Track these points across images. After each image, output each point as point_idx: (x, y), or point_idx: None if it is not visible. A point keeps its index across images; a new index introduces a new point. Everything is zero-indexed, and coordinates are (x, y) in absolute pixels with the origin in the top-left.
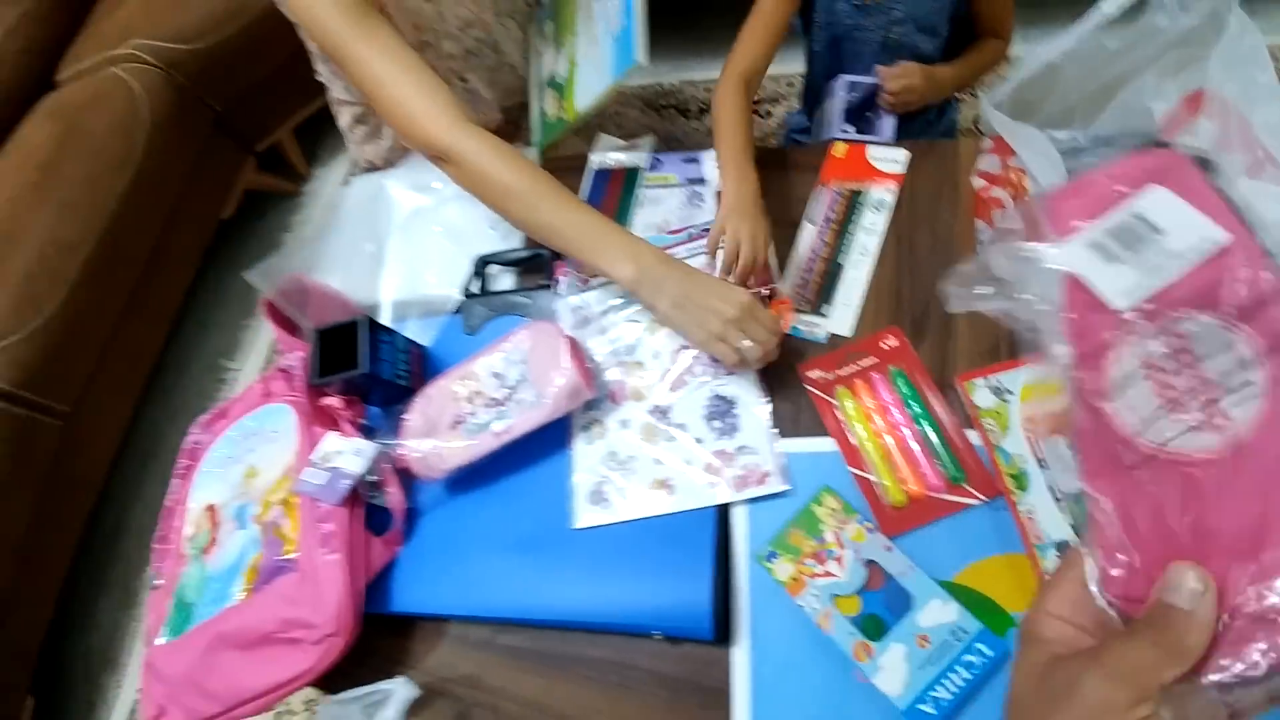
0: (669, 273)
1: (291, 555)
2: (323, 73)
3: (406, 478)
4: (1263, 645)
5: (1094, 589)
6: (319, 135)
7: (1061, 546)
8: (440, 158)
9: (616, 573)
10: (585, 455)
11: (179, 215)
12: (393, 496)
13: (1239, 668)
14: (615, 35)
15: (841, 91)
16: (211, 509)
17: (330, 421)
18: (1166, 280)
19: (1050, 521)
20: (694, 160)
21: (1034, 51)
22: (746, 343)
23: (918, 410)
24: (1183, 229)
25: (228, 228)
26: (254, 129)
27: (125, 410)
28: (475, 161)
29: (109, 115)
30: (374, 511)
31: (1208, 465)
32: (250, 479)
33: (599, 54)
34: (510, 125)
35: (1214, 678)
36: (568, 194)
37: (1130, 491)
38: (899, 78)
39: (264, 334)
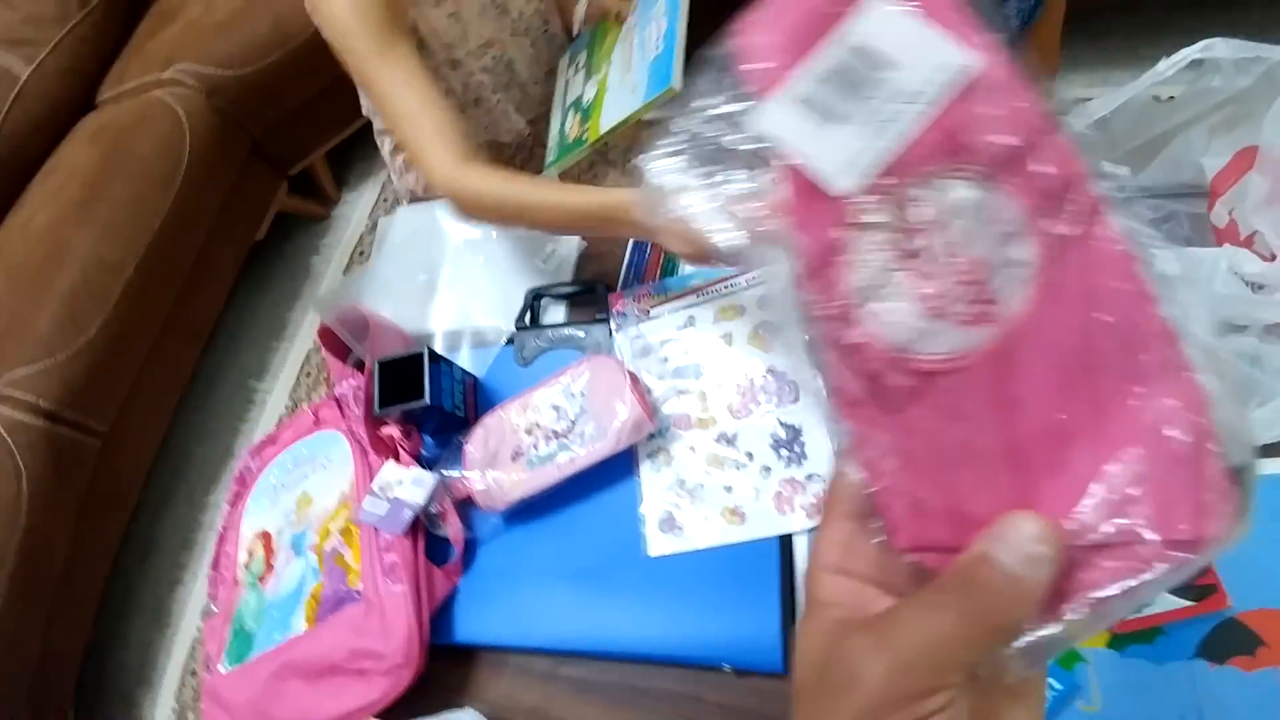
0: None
1: (356, 586)
2: (365, 104)
3: (463, 508)
4: (1109, 571)
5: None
6: (349, 160)
7: None
8: (444, 197)
9: (682, 603)
10: (653, 483)
11: (216, 236)
12: (452, 527)
13: (1076, 614)
14: (651, 60)
15: None
16: (265, 536)
17: (387, 451)
18: (903, 137)
19: None
20: None
21: (1085, 107)
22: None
23: None
24: (918, 57)
25: (256, 249)
26: (289, 154)
27: (159, 430)
28: (474, 203)
29: (153, 137)
30: (433, 542)
31: (987, 368)
32: (304, 507)
33: (633, 78)
34: (532, 138)
35: (1042, 633)
36: (557, 194)
37: (907, 421)
38: None
39: (292, 355)
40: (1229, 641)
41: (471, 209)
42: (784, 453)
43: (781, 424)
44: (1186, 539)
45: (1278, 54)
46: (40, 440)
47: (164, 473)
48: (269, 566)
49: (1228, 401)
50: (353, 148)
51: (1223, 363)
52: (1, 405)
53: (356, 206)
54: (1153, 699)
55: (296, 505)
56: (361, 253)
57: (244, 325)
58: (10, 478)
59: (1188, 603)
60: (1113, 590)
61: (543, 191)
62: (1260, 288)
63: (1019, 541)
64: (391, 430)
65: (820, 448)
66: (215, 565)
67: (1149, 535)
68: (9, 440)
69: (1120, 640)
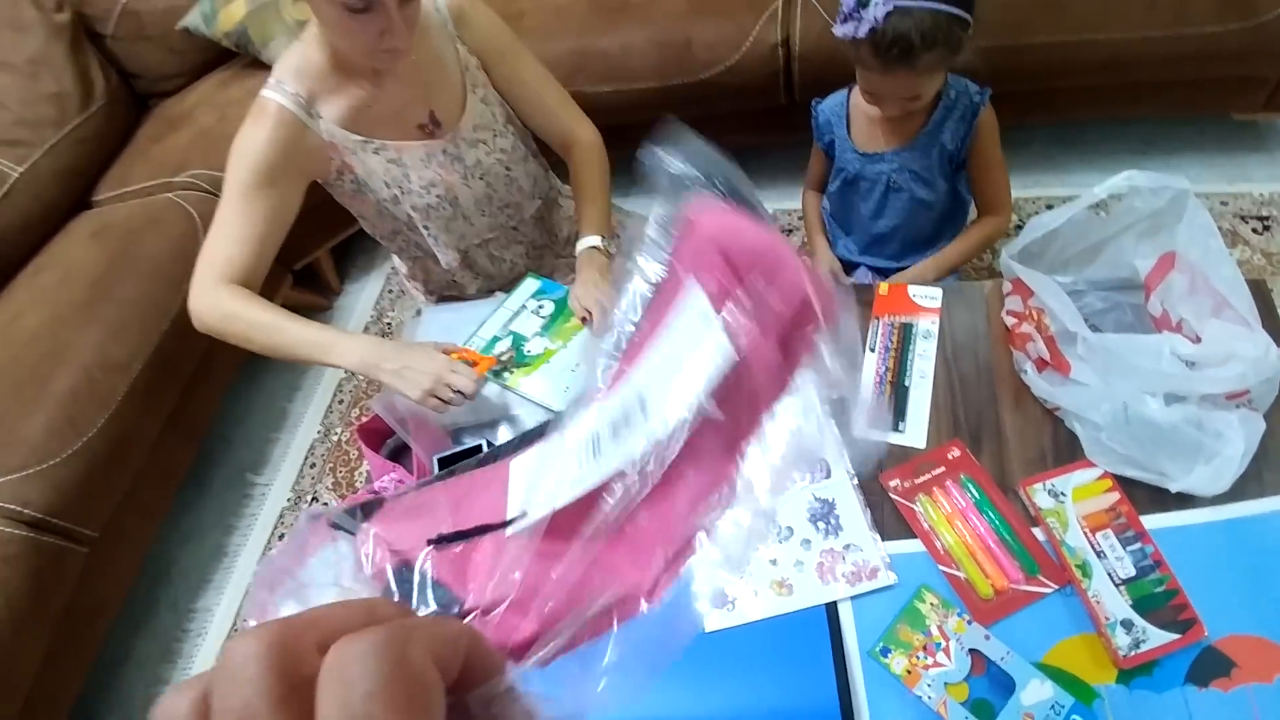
0: (385, 352)
1: None
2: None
3: None
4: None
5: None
6: (351, 252)
7: (1127, 624)
8: (194, 311)
9: (740, 676)
10: (702, 559)
11: None
12: None
13: None
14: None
15: None
16: None
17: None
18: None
19: (1114, 603)
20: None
21: (1040, 220)
22: (448, 393)
23: (991, 513)
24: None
25: None
26: (295, 250)
27: (150, 533)
28: (208, 311)
29: (165, 238)
30: None
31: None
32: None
33: (566, 381)
34: (464, 266)
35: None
36: (298, 320)
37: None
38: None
39: (294, 447)
40: (1209, 666)
41: (206, 317)
42: (821, 525)
43: (816, 498)
44: None
45: (1180, 183)
46: (21, 553)
47: (143, 579)
48: None
49: None
50: (355, 242)
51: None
52: None
53: (359, 297)
54: None
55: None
56: None
57: (240, 418)
58: None
59: (1175, 635)
60: None
61: (273, 315)
62: (1193, 365)
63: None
64: None
65: (853, 518)
66: None
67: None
68: None
69: (1127, 675)
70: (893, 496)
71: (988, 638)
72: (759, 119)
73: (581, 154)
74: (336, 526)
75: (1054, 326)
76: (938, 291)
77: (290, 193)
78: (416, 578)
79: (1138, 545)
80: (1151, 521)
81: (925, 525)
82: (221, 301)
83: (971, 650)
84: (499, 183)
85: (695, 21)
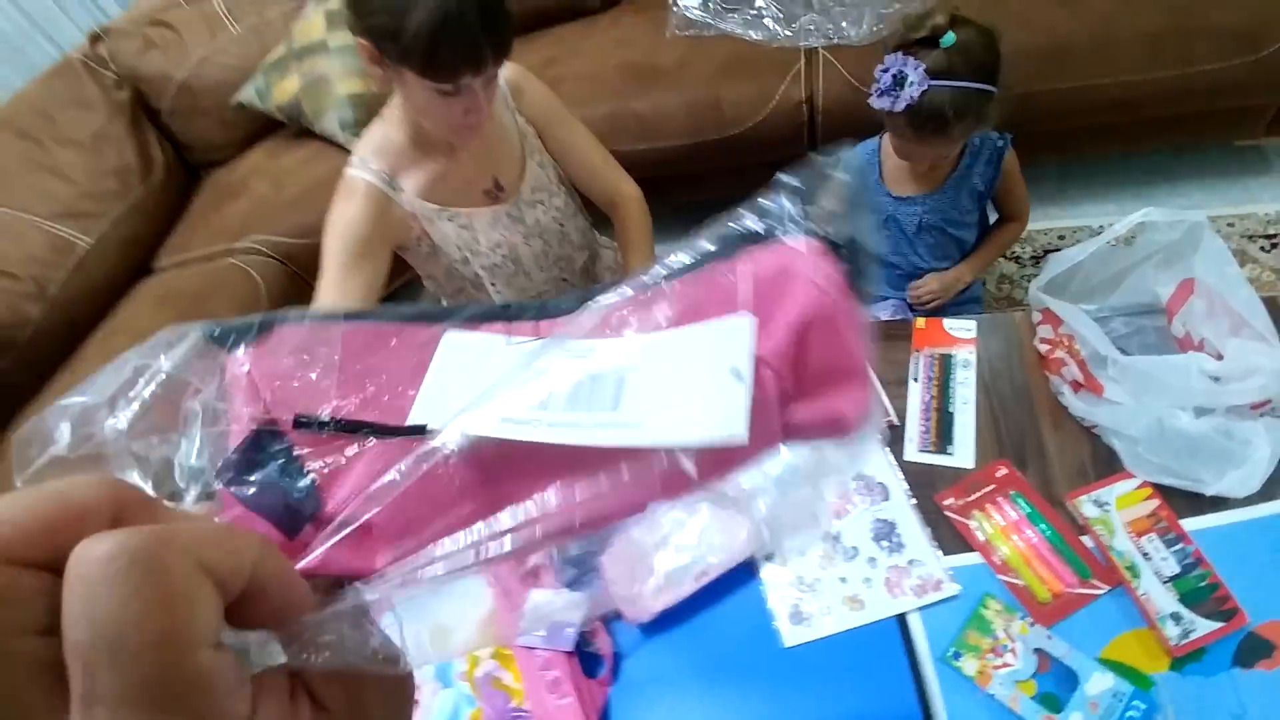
0: None
1: (522, 705)
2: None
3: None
4: None
5: None
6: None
7: (1175, 617)
8: None
9: (823, 688)
10: (775, 581)
11: None
12: (602, 641)
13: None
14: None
15: None
16: None
17: (528, 575)
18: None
19: (1162, 599)
20: None
21: (1063, 255)
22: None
23: (1042, 524)
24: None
25: None
26: None
27: None
28: None
29: (230, 301)
30: (583, 657)
31: None
32: (441, 638)
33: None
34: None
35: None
36: None
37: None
38: (918, 289)
39: None
40: (1252, 650)
41: None
42: (884, 544)
43: (877, 519)
44: None
45: (1194, 217)
46: None
47: None
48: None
49: None
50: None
51: None
52: None
53: None
54: (1209, 706)
55: (432, 638)
56: None
57: None
58: None
59: (1220, 624)
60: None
61: None
62: (1218, 380)
63: None
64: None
65: (914, 536)
66: None
67: None
68: None
69: (1179, 663)
70: (948, 514)
71: (1050, 637)
72: (782, 166)
73: (626, 208)
74: (214, 340)
75: (1085, 351)
76: (972, 323)
77: (382, 263)
78: (278, 451)
79: (1179, 546)
80: (1190, 524)
81: (981, 539)
82: None
83: (1036, 650)
84: (554, 238)
85: (723, 83)
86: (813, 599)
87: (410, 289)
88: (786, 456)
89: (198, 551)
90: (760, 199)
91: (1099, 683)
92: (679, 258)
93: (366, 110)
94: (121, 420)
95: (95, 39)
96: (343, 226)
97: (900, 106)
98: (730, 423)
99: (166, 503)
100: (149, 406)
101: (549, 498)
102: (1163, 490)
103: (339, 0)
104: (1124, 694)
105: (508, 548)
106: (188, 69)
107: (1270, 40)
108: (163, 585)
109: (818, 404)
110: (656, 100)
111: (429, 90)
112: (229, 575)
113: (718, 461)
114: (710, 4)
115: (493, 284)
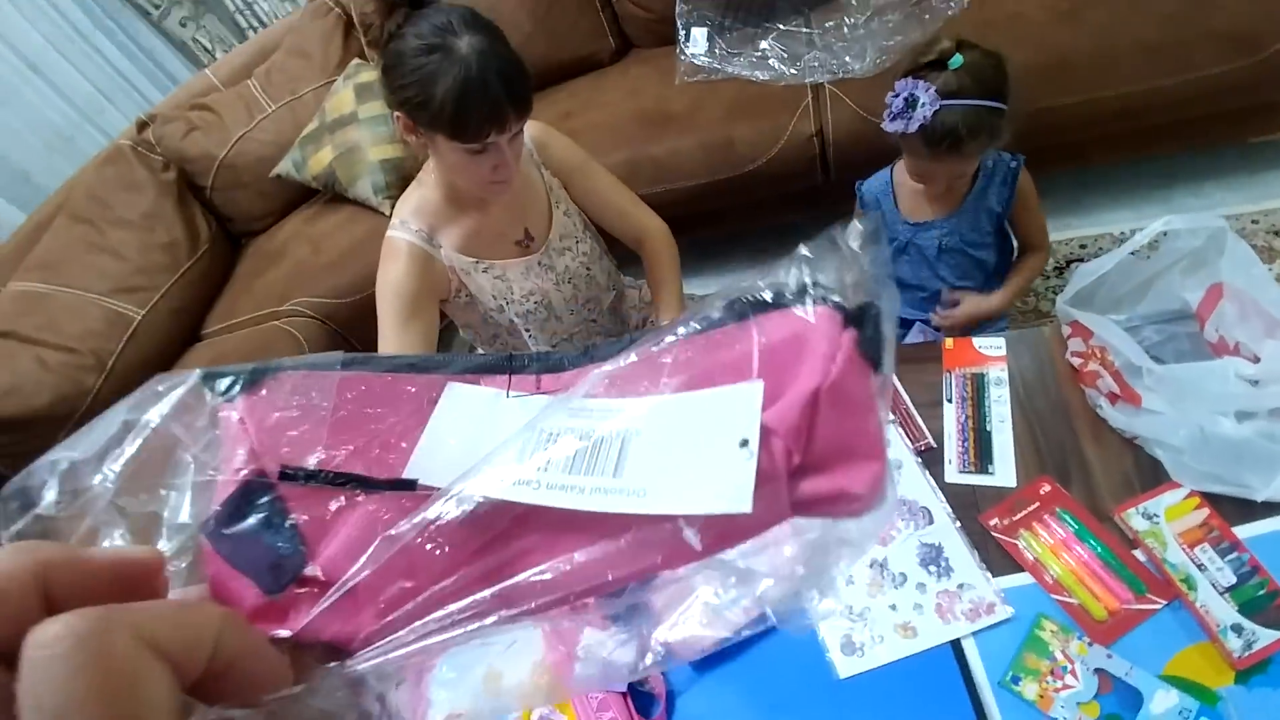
0: None
1: None
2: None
3: None
4: None
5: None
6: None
7: (1236, 629)
8: None
9: (879, 717)
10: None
11: None
12: (655, 679)
13: None
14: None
15: None
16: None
17: (578, 608)
18: None
19: (1221, 610)
20: None
21: (1087, 268)
22: None
23: (1091, 540)
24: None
25: None
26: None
27: None
28: None
29: None
30: (636, 696)
31: None
32: (493, 683)
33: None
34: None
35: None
36: None
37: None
38: (945, 320)
39: None
40: None
41: None
42: (932, 568)
43: (923, 544)
44: None
45: (1215, 223)
46: None
47: None
48: None
49: None
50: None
51: None
52: None
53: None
54: (1278, 718)
55: (484, 682)
56: None
57: None
58: None
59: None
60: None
61: None
62: (1256, 383)
63: None
64: None
65: (961, 559)
66: None
67: None
68: None
69: (1244, 675)
70: (994, 535)
71: (1110, 656)
72: (797, 197)
73: (653, 245)
74: (208, 386)
75: (1118, 362)
76: (1000, 341)
77: (432, 315)
78: (264, 505)
79: (1234, 555)
80: (1243, 531)
81: (1031, 558)
82: None
83: (1097, 670)
84: (583, 282)
85: (734, 124)
86: (864, 628)
87: (444, 334)
88: (795, 529)
89: (149, 630)
90: (775, 270)
91: (1164, 700)
92: (689, 325)
93: (397, 173)
94: (109, 476)
95: (142, 125)
96: (392, 286)
97: (914, 128)
98: (735, 492)
99: (96, 549)
100: (137, 460)
101: (547, 565)
102: (1212, 498)
103: (367, 75)
104: (1190, 710)
105: (502, 617)
106: (228, 147)
107: (1273, 40)
108: (107, 667)
109: (828, 478)
110: (671, 144)
111: (459, 151)
112: (185, 652)
113: (722, 533)
114: (716, 49)
115: (527, 329)
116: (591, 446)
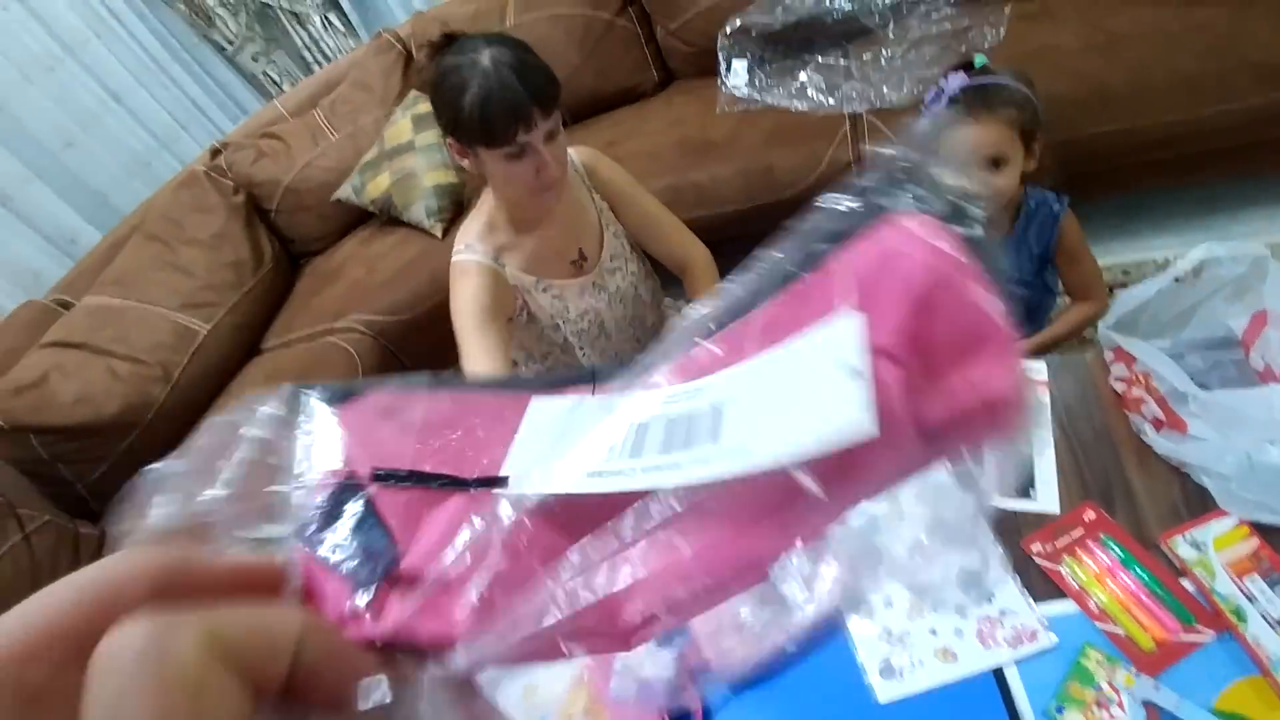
0: None
1: None
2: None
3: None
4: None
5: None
6: None
7: None
8: None
9: None
10: (862, 633)
11: None
12: (690, 696)
13: None
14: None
15: None
16: None
17: None
18: None
19: (1273, 644)
20: None
21: (1129, 294)
22: None
23: (1137, 568)
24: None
25: None
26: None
27: None
28: None
29: (331, 376)
30: (672, 714)
31: None
32: (531, 695)
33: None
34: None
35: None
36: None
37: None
38: None
39: None
40: None
41: None
42: (973, 593)
43: (962, 569)
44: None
45: (1256, 249)
46: None
47: None
48: None
49: None
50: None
51: None
52: None
53: None
54: None
55: (523, 696)
56: None
57: None
58: None
59: None
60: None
61: None
62: None
63: None
64: None
65: (1003, 584)
66: None
67: None
68: None
69: None
70: (1037, 561)
71: (1158, 688)
72: None
73: (697, 271)
74: (305, 400)
75: (1163, 388)
76: (1042, 365)
77: (506, 328)
78: (357, 507)
79: None
80: None
81: (1075, 586)
82: None
83: (1145, 701)
84: (631, 302)
85: (774, 151)
86: (903, 652)
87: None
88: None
89: (221, 638)
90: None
91: None
92: (757, 275)
93: (449, 198)
94: (216, 488)
95: (215, 152)
96: (468, 301)
97: (946, 101)
98: (852, 416)
99: (217, 555)
100: (241, 472)
101: (651, 557)
102: (1261, 528)
103: (424, 106)
104: None
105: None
106: (293, 173)
107: None
108: (167, 678)
109: (958, 391)
110: (712, 171)
111: (499, 159)
112: (259, 661)
113: (846, 477)
114: (756, 80)
115: (580, 347)
116: (684, 419)
